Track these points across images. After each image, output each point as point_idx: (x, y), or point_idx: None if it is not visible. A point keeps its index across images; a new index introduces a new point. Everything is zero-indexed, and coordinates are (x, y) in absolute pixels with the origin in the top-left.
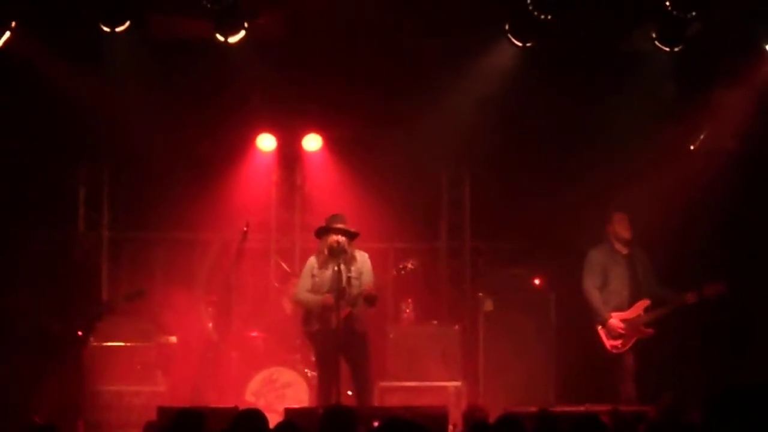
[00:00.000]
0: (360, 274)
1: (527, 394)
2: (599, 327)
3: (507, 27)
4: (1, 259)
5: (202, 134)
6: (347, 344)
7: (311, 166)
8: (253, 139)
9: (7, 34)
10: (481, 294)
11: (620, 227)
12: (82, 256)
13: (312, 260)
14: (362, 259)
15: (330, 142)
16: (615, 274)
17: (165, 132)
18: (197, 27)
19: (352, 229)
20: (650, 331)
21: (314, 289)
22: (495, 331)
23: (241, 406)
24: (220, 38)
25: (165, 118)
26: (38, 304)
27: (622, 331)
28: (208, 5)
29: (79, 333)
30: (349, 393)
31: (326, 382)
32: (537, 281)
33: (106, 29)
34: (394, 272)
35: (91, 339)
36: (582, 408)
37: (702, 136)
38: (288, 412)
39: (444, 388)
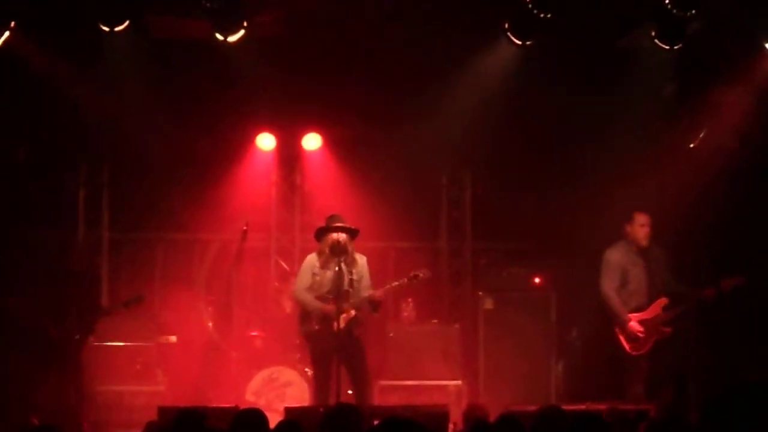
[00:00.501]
0: (360, 277)
1: (527, 392)
2: (618, 329)
3: (507, 25)
4: (1, 259)
5: (201, 134)
6: (343, 346)
7: (311, 166)
8: (253, 138)
9: (7, 33)
10: (481, 293)
11: (641, 231)
12: (84, 262)
13: (313, 258)
14: (362, 262)
15: (330, 141)
16: (633, 275)
17: (165, 132)
18: (196, 26)
19: (352, 226)
20: (668, 330)
21: (314, 289)
22: (495, 330)
23: (242, 406)
24: (220, 37)
25: (164, 118)
26: (37, 305)
27: (642, 334)
28: (208, 4)
29: (77, 336)
30: (350, 392)
31: (322, 381)
32: (537, 280)
33: (105, 29)
34: (406, 280)
35: (89, 341)
36: (583, 406)
37: (702, 135)
38: (288, 411)
39: (444, 387)
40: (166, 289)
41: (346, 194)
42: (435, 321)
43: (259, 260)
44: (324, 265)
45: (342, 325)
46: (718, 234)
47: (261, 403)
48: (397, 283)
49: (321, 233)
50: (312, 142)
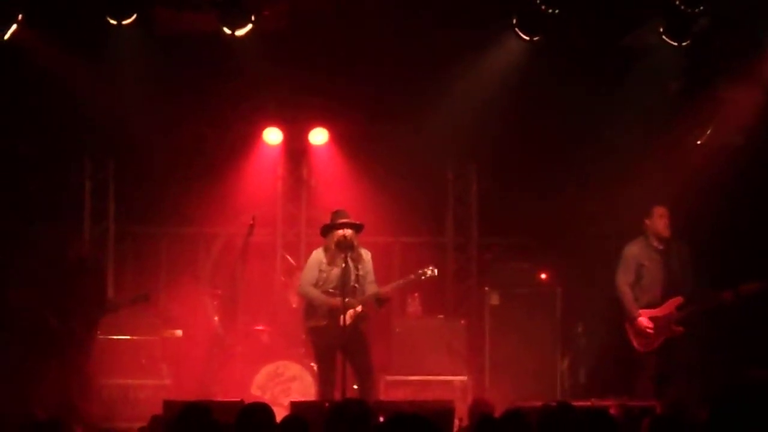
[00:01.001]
0: (366, 272)
1: (533, 388)
2: (627, 324)
3: (514, 21)
4: (5, 252)
5: (208, 128)
6: (348, 341)
7: (317, 160)
8: (260, 132)
9: (14, 27)
10: (487, 288)
11: (660, 222)
12: (87, 255)
13: (320, 253)
14: (367, 258)
15: (336, 136)
16: (648, 270)
17: (171, 125)
18: (204, 20)
19: (357, 222)
20: (680, 329)
21: (320, 285)
22: (501, 326)
23: (247, 400)
24: (227, 31)
25: (171, 112)
26: (38, 297)
27: (651, 331)
28: None
29: (80, 330)
30: (355, 387)
31: (327, 376)
32: (543, 276)
33: (112, 22)
34: (413, 277)
35: (94, 336)
36: (588, 402)
37: (709, 131)
38: (294, 405)
39: (450, 383)
40: (171, 282)
41: (352, 189)
42: (441, 316)
43: (265, 254)
44: (331, 261)
45: (348, 320)
46: (724, 231)
47: (266, 398)
48: (403, 280)
49: (327, 230)
50: (318, 136)
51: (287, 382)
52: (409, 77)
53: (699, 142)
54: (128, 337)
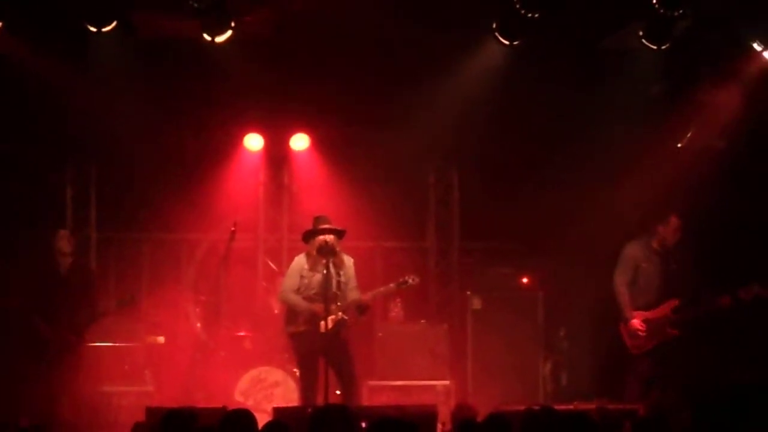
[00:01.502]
0: (348, 279)
1: (516, 392)
2: (621, 325)
3: (495, 25)
4: None
5: (189, 134)
6: (330, 347)
7: (299, 166)
8: (241, 138)
9: None
10: (469, 293)
11: (673, 233)
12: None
13: (302, 260)
14: (349, 264)
15: (317, 141)
16: (646, 271)
17: (152, 131)
18: (184, 26)
19: (338, 227)
20: (674, 332)
21: (302, 291)
22: (483, 330)
23: (230, 406)
24: (207, 38)
25: (152, 118)
26: (31, 304)
27: (643, 333)
28: (195, 4)
29: (71, 336)
30: (338, 392)
31: (309, 381)
32: (525, 280)
33: (92, 29)
34: (394, 286)
35: (83, 343)
36: (571, 406)
37: (689, 135)
38: (276, 411)
39: (433, 387)
40: (153, 289)
41: (334, 194)
42: (423, 321)
43: (247, 260)
44: (312, 267)
45: (330, 326)
46: (706, 234)
47: (249, 404)
48: (384, 288)
49: (308, 236)
50: (300, 142)
51: (270, 388)
52: (390, 82)
53: (680, 145)
54: (111, 344)
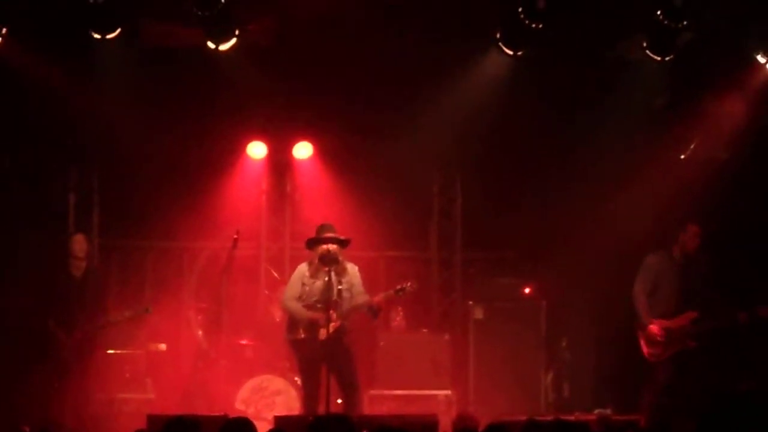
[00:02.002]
0: (351, 286)
1: (517, 402)
2: (639, 332)
3: (498, 35)
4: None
5: (192, 141)
6: (332, 355)
7: (302, 174)
8: (244, 146)
9: None
10: (471, 302)
11: (691, 240)
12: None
13: (303, 267)
14: (353, 271)
15: (321, 150)
16: (666, 281)
17: (156, 139)
18: (188, 34)
19: (342, 237)
20: (693, 344)
21: (303, 298)
22: (485, 340)
23: (231, 414)
24: (212, 46)
25: (155, 125)
26: (44, 309)
27: (661, 339)
28: (200, 12)
29: (85, 342)
30: (339, 401)
31: (310, 390)
32: (527, 290)
33: (97, 36)
34: (392, 293)
35: (93, 350)
36: (572, 417)
37: (693, 146)
38: (278, 419)
39: (434, 397)
40: (155, 296)
41: (337, 203)
42: (425, 330)
43: (249, 268)
44: (314, 275)
45: (330, 333)
46: (708, 246)
47: (250, 412)
48: (384, 294)
49: (312, 243)
50: (303, 150)
51: (271, 397)
52: (393, 91)
53: (683, 156)
54: (112, 351)
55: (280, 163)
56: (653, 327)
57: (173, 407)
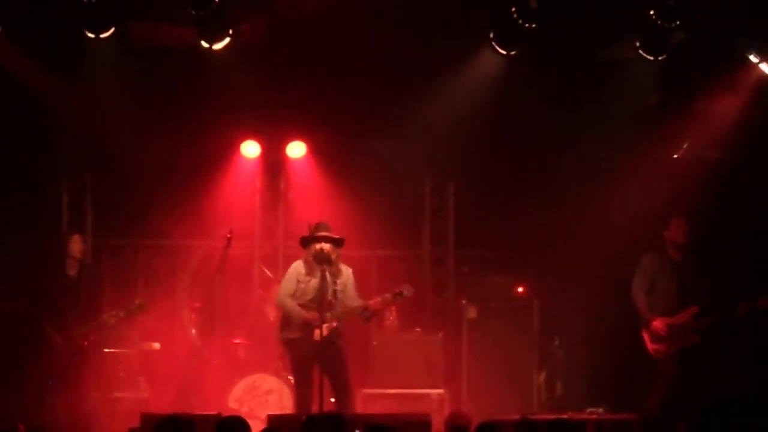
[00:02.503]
0: (344, 287)
1: (510, 401)
2: (643, 330)
3: (491, 35)
4: None
5: (186, 141)
6: (325, 357)
7: (295, 173)
8: (238, 145)
9: None
10: (464, 301)
11: (676, 233)
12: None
13: (299, 265)
14: (347, 273)
15: (314, 149)
16: (663, 279)
17: (149, 138)
18: (182, 34)
19: (337, 236)
20: (696, 338)
21: (298, 296)
22: (478, 339)
23: (224, 413)
24: (205, 45)
25: (149, 125)
26: (33, 307)
27: (665, 335)
28: (194, 12)
29: (81, 342)
30: (332, 400)
31: (303, 389)
32: (520, 289)
33: (90, 35)
34: (390, 297)
35: (88, 349)
36: (565, 416)
37: (685, 145)
38: (271, 418)
39: (427, 396)
40: (149, 295)
41: (330, 202)
42: (418, 329)
43: (242, 268)
44: (309, 273)
45: (324, 333)
46: (702, 244)
47: (243, 411)
48: (381, 298)
49: (306, 242)
50: (296, 149)
51: (264, 395)
52: (386, 91)
53: (676, 156)
54: (106, 350)
55: (273, 162)
56: (657, 323)
57: (167, 406)
